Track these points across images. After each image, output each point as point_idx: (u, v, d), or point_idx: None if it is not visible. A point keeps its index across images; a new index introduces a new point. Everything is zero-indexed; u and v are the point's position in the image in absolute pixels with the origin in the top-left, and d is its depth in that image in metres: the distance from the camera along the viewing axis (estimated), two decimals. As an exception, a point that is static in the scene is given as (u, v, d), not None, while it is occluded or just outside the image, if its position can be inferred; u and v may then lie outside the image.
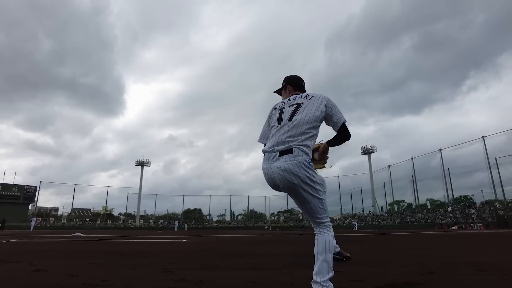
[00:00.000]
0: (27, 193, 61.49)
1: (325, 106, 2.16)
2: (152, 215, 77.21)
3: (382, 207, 59.74)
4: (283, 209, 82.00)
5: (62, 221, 67.70)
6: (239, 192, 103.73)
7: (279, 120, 2.20)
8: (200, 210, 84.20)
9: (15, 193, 59.68)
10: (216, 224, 69.52)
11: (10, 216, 42.43)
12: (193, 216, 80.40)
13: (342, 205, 66.77)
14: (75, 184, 67.25)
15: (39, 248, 7.08)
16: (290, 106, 2.23)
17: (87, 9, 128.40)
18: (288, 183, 2.00)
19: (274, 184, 2.08)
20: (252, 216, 79.23)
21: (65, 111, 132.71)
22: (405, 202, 61.08)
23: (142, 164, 73.11)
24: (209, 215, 75.72)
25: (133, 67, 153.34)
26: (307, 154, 2.03)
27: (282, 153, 2.03)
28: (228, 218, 76.55)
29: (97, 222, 68.00)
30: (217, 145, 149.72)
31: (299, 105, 2.19)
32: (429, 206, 48.80)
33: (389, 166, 54.90)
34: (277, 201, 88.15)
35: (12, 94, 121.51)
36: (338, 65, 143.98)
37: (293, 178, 1.98)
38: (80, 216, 75.10)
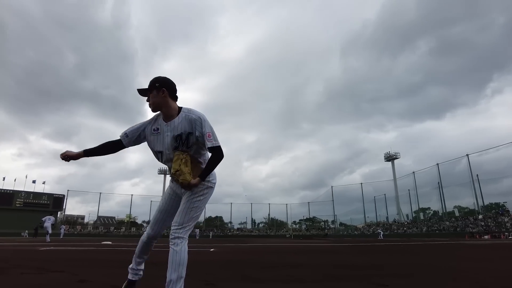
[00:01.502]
0: (56, 202, 63.71)
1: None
2: (175, 223, 77.95)
3: (407, 215, 58.02)
4: (304, 217, 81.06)
5: (89, 228, 69.55)
6: (259, 200, 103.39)
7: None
8: (221, 217, 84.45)
9: (45, 201, 61.96)
10: (237, 232, 69.43)
11: (40, 224, 43.99)
12: (214, 224, 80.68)
13: (365, 213, 65.26)
14: (100, 193, 69.04)
15: (75, 256, 7.25)
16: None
17: (108, 24, 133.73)
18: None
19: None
20: (274, 224, 78.69)
21: (89, 122, 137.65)
22: (431, 210, 59.08)
23: (164, 172, 74.30)
24: (230, 223, 75.82)
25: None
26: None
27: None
28: (249, 226, 76.29)
29: (122, 229, 69.45)
30: (235, 153, 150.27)
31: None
32: (457, 213, 46.92)
33: (413, 172, 53.43)
34: (298, 209, 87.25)
35: (40, 107, 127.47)
36: (353, 71, 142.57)
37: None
38: (105, 224, 76.87)
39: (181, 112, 2.29)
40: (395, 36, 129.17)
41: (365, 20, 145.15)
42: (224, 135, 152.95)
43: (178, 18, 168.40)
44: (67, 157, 2.29)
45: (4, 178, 59.94)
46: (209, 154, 2.28)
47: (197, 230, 52.50)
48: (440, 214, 49.45)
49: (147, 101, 2.30)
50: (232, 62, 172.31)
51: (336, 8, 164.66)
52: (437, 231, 41.69)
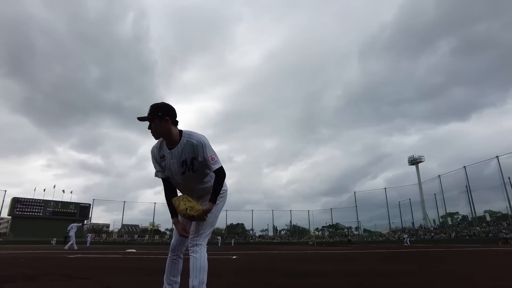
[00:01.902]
0: (83, 210, 65.75)
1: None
2: (197, 230, 78.54)
3: (434, 220, 55.99)
4: (327, 224, 79.79)
5: (113, 237, 71.10)
6: (280, 207, 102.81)
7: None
8: (243, 225, 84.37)
9: (72, 210, 64.01)
10: (259, 239, 69.14)
11: (68, 232, 45.42)
12: (236, 231, 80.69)
13: (390, 219, 63.49)
14: (124, 201, 70.55)
15: (101, 264, 7.42)
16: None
17: (129, 38, 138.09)
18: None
19: None
20: (296, 231, 77.89)
21: (112, 133, 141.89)
22: (460, 214, 56.79)
23: (186, 179, 75.17)
24: (252, 230, 75.57)
25: (173, 88, 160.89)
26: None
27: None
28: (271, 233, 75.82)
29: (145, 237, 70.62)
30: (255, 160, 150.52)
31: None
32: (488, 218, 44.83)
33: (439, 176, 51.55)
34: (321, 216, 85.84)
35: (66, 120, 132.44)
36: (373, 74, 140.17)
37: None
38: (129, 232, 78.38)
39: (182, 138, 2.33)
40: (414, 38, 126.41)
41: (383, 22, 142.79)
42: (243, 142, 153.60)
43: (196, 29, 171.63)
44: (184, 231, 2.38)
45: (35, 189, 62.69)
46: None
47: (219, 238, 52.67)
48: (469, 219, 47.42)
49: (149, 128, 2.33)
50: (250, 69, 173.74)
51: (353, 12, 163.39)
52: (467, 237, 39.92)
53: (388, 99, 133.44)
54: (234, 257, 10.61)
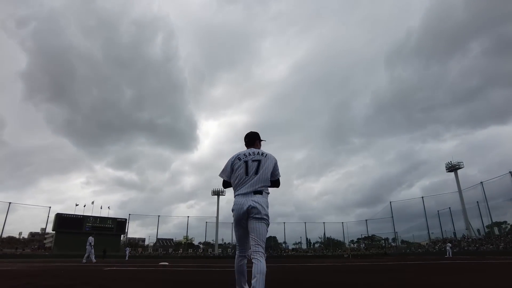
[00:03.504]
0: (119, 225, 68.10)
1: (274, 164, 3.18)
2: (229, 243, 78.78)
3: (478, 230, 52.47)
4: (363, 236, 77.07)
5: (149, 250, 72.84)
6: (313, 219, 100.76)
7: (246, 172, 3.06)
8: (275, 237, 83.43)
9: (110, 225, 66.46)
10: (292, 253, 68.09)
11: (106, 246, 47.14)
12: (268, 244, 79.88)
13: (429, 229, 60.32)
14: (158, 216, 72.28)
15: (135, 276, 7.63)
16: (253, 161, 3.11)
17: (159, 58, 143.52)
18: (257, 210, 2.89)
19: (245, 211, 2.91)
20: (330, 243, 75.94)
21: (146, 150, 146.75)
22: (508, 224, 52.92)
23: (218, 193, 76.04)
24: (285, 243, 74.58)
25: (203, 105, 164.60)
26: (267, 195, 3.09)
27: (255, 192, 2.98)
28: (304, 246, 74.42)
29: (179, 251, 71.65)
30: (285, 171, 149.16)
31: (259, 161, 3.10)
32: (541, 227, 41.41)
33: (481, 182, 48.52)
34: (356, 228, 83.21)
35: (103, 139, 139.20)
36: (401, 81, 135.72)
37: (261, 208, 2.90)
38: (164, 246, 79.99)
39: (263, 153, 3.26)
40: (442, 41, 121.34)
41: (410, 27, 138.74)
42: (273, 155, 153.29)
43: (222, 45, 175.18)
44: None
45: (76, 205, 65.82)
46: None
47: (250, 251, 52.35)
48: (519, 229, 44.09)
49: (255, 145, 3.40)
50: (277, 82, 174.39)
51: (378, 19, 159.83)
52: (517, 248, 37.07)
53: (419, 105, 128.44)
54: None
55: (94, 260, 18.27)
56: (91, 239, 19.49)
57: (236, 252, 3.15)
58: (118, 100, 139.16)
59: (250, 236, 2.91)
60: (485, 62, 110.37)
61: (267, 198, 3.04)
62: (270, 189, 3.17)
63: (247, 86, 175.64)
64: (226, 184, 3.28)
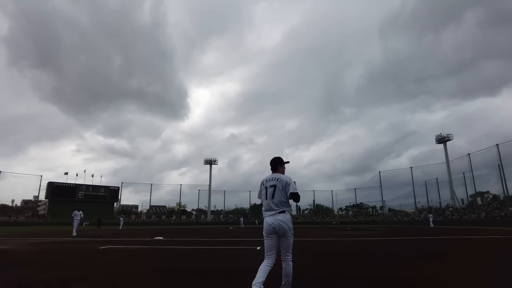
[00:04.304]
0: (112, 193, 68.62)
1: (285, 185, 3.66)
2: (221, 210, 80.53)
3: (462, 200, 54.39)
4: (351, 204, 79.48)
5: (142, 217, 74.17)
6: (302, 187, 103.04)
7: (266, 196, 3.73)
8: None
9: (103, 194, 67.00)
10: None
11: (100, 215, 47.77)
12: (259, 211, 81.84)
13: (416, 198, 62.29)
14: (151, 184, 72.90)
15: (133, 263, 7.70)
16: (270, 187, 3.72)
17: (147, 25, 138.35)
18: (282, 228, 3.55)
19: (273, 228, 3.58)
20: (319, 210, 78.11)
21: (136, 118, 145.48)
22: (490, 194, 54.80)
23: (210, 162, 76.45)
24: (275, 209, 76.46)
25: (193, 72, 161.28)
26: (290, 213, 3.69)
27: (280, 212, 3.61)
28: (294, 212, 76.51)
29: (173, 218, 73.12)
30: (276, 140, 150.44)
31: (274, 187, 3.68)
32: (522, 198, 43.01)
33: (468, 154, 49.60)
34: (344, 195, 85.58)
35: (92, 107, 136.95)
36: (395, 52, 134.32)
37: (285, 226, 3.56)
38: (157, 213, 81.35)
39: (278, 178, 3.79)
40: (437, 11, 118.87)
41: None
42: (265, 124, 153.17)
43: (213, 10, 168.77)
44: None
45: (65, 173, 65.61)
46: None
47: (242, 218, 53.08)
48: (501, 199, 45.72)
49: (277, 170, 3.95)
50: (270, 50, 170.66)
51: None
52: (498, 218, 38.63)
53: (411, 76, 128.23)
54: (258, 248, 10.70)
55: (74, 234, 18.27)
56: (75, 213, 19.39)
57: (264, 260, 3.55)
58: (107, 67, 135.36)
59: (281, 248, 3.60)
60: (479, 33, 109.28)
61: (289, 215, 3.66)
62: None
63: (239, 53, 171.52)
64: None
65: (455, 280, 4.95)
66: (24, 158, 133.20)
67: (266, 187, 3.76)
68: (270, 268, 3.47)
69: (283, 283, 3.57)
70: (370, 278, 5.07)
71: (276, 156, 4.00)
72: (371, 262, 7.22)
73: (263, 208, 3.75)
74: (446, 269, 5.89)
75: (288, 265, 3.54)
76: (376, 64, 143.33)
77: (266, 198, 3.71)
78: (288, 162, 3.99)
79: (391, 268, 6.18)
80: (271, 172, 3.94)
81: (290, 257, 3.58)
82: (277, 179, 3.72)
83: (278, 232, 3.56)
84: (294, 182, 3.69)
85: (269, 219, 3.62)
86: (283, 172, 3.92)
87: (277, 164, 3.94)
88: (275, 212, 3.61)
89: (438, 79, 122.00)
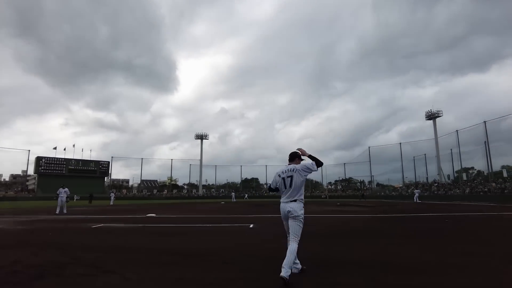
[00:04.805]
0: (102, 168, 68.11)
1: (302, 171, 4.22)
2: (213, 184, 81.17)
3: (448, 175, 55.81)
4: (340, 178, 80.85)
5: (133, 192, 74.27)
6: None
7: (285, 186, 4.26)
8: (257, 179, 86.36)
9: (92, 168, 66.48)
10: (274, 193, 70.91)
11: (90, 189, 47.57)
12: (251, 185, 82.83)
13: (404, 173, 63.63)
14: (142, 158, 72.69)
15: (127, 244, 7.68)
16: (288, 177, 4.25)
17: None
18: (291, 213, 4.13)
19: (284, 213, 4.23)
20: (308, 184, 79.30)
21: (125, 91, 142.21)
22: (475, 169, 56.29)
23: (201, 137, 76.11)
24: (266, 184, 77.42)
25: (182, 44, 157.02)
26: (302, 202, 4.23)
27: (292, 201, 4.18)
28: (284, 187, 77.42)
29: (164, 192, 73.47)
30: (268, 115, 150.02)
31: (292, 177, 4.21)
32: (505, 174, 44.33)
33: (456, 131, 50.35)
34: (334, 170, 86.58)
35: (79, 79, 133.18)
36: (387, 26, 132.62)
37: (294, 212, 4.11)
38: (148, 187, 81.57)
39: (294, 168, 4.30)
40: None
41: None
42: (256, 98, 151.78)
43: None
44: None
45: (54, 148, 64.66)
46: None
47: (233, 193, 53.66)
48: (485, 174, 47.03)
49: (294, 161, 4.44)
50: (261, 21, 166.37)
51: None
52: (481, 193, 39.88)
53: (403, 51, 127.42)
54: (251, 226, 10.82)
55: (57, 212, 17.89)
56: (60, 190, 18.80)
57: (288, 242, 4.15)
58: (93, 38, 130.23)
59: (290, 229, 4.13)
60: (472, 8, 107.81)
61: (300, 204, 4.19)
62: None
63: (230, 24, 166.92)
64: (271, 190, 4.59)
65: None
66: (11, 132, 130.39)
67: (283, 178, 4.28)
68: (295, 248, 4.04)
69: (303, 267, 4.35)
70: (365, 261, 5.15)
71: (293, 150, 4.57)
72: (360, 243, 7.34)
73: (281, 194, 4.33)
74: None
75: (292, 244, 3.99)
76: (368, 37, 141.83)
77: (285, 188, 4.25)
78: (304, 157, 4.46)
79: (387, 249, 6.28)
80: (288, 163, 4.49)
81: (296, 239, 4.05)
82: (293, 170, 4.24)
83: (287, 216, 4.18)
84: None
85: (282, 205, 4.26)
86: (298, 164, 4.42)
87: (295, 157, 4.46)
88: (288, 200, 4.19)
89: (430, 55, 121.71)
